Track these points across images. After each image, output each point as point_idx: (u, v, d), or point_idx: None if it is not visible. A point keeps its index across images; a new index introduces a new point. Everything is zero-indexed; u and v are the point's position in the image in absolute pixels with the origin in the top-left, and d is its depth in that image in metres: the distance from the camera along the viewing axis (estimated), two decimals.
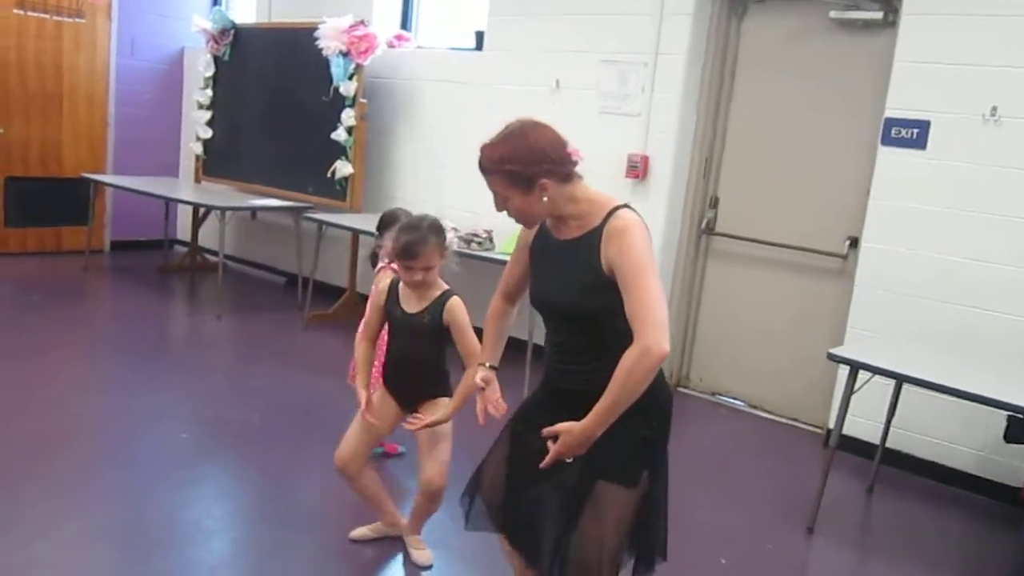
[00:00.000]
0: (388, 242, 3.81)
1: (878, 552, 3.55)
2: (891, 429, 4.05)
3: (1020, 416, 3.58)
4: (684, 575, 2.47)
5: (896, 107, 4.23)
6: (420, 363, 2.82)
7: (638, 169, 5.01)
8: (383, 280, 2.99)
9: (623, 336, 2.01)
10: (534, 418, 2.22)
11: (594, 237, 2.07)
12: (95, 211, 7.23)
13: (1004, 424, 3.71)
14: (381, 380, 2.95)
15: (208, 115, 7.17)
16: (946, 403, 4.01)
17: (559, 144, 2.11)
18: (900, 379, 3.57)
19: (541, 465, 2.07)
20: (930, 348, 3.88)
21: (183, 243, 7.88)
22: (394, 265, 3.79)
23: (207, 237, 7.51)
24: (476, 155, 2.10)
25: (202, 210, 7.33)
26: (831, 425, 4.38)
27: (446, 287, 2.82)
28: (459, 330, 2.74)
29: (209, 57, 7.08)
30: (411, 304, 2.78)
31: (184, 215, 7.89)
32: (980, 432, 4.06)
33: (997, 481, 4.03)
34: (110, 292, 6.78)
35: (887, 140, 4.27)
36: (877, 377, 3.48)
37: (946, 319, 4.13)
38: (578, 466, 2.10)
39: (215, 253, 7.54)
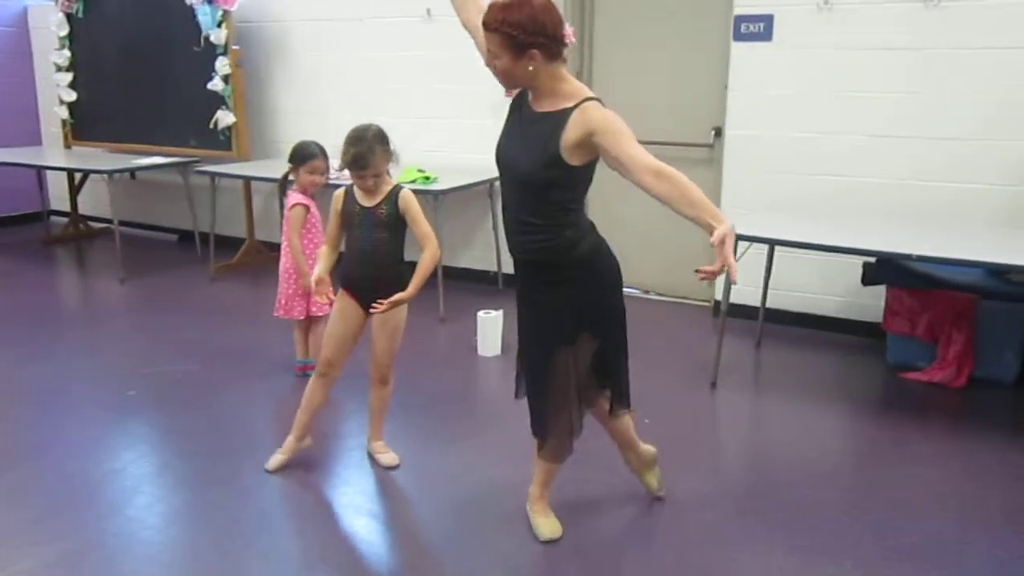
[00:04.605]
0: (304, 175, 4.03)
1: (772, 393, 4.14)
2: (769, 291, 4.64)
3: (871, 261, 4.21)
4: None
5: (743, 4, 4.68)
6: (383, 253, 3.04)
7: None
8: (337, 192, 3.17)
9: (565, 209, 2.34)
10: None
11: (563, 116, 2.29)
12: None
13: (860, 271, 4.34)
14: (341, 285, 3.11)
15: (69, 76, 6.95)
16: (811, 261, 4.63)
17: (558, 23, 2.26)
18: (772, 243, 4.11)
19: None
20: (793, 217, 4.43)
21: (62, 213, 7.68)
22: (302, 198, 4.01)
23: (85, 204, 7.37)
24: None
25: (78, 176, 7.17)
26: (718, 297, 4.94)
27: (395, 183, 3.10)
28: (414, 217, 3.03)
29: (61, 15, 6.82)
30: (367, 201, 3.05)
31: (58, 184, 7.67)
32: (842, 281, 4.70)
33: (861, 320, 4.71)
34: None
35: (738, 35, 4.73)
36: (753, 246, 4.02)
37: (804, 190, 4.70)
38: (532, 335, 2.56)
39: (97, 219, 7.44)
